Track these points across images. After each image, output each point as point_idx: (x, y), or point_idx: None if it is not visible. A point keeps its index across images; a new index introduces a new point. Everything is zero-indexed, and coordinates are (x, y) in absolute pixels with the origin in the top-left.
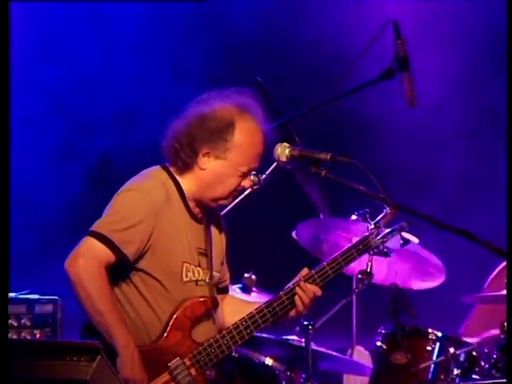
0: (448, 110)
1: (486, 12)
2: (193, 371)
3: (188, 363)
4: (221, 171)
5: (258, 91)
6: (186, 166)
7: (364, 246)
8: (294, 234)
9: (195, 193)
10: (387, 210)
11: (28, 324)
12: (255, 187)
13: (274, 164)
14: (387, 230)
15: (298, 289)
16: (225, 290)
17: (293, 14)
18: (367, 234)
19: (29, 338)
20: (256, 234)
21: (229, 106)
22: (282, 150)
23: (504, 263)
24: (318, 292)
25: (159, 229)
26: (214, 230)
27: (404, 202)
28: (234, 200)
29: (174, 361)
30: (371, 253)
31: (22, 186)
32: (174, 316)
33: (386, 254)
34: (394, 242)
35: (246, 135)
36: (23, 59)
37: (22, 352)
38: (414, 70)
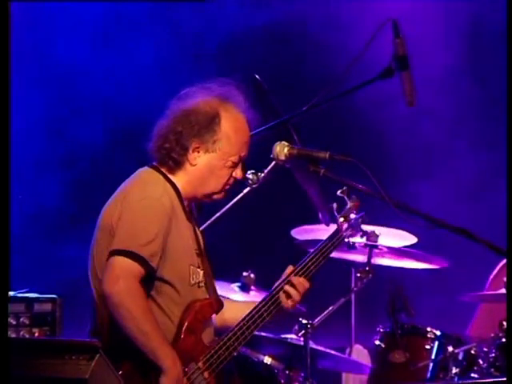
0: (447, 110)
1: (483, 11)
2: (206, 374)
3: (202, 367)
4: (212, 164)
5: (255, 89)
6: (177, 165)
7: (337, 240)
8: (292, 233)
9: (188, 191)
10: (350, 201)
11: (27, 322)
12: (254, 186)
13: (273, 163)
14: (352, 221)
15: (286, 287)
16: None
17: (291, 14)
18: (338, 227)
19: (27, 336)
20: (255, 233)
21: (211, 97)
22: (281, 149)
23: (503, 261)
24: (306, 284)
25: (170, 234)
26: (196, 228)
27: (404, 201)
28: (226, 194)
29: (190, 366)
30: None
31: (21, 184)
32: (187, 320)
33: (351, 247)
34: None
35: (231, 124)
36: (22, 56)
37: (21, 350)
38: (412, 69)
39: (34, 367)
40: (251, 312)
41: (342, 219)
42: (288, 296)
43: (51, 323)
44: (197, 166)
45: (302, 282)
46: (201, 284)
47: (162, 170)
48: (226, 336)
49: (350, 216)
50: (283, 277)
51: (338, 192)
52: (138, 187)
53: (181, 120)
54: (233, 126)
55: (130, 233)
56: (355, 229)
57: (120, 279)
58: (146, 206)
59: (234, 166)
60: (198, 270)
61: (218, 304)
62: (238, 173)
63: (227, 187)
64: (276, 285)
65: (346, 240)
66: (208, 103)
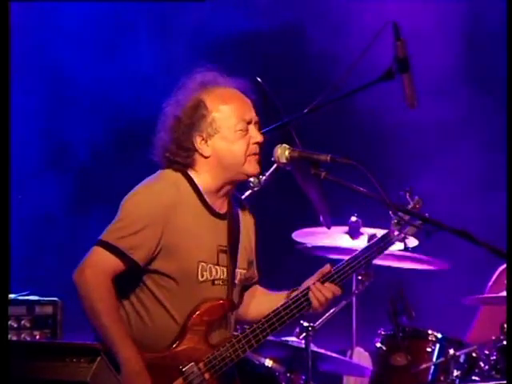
0: (447, 111)
1: (483, 11)
2: (207, 376)
3: (203, 368)
4: (223, 143)
5: (257, 92)
6: (190, 164)
7: (385, 244)
8: (293, 235)
9: (214, 182)
10: (412, 202)
11: (28, 325)
12: (255, 189)
13: (274, 165)
14: (408, 227)
15: (314, 289)
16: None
17: (292, 16)
18: (389, 231)
19: (28, 339)
20: (256, 235)
21: (189, 92)
22: (282, 152)
23: (503, 266)
24: (338, 291)
25: (171, 230)
26: (243, 226)
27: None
28: (259, 163)
29: (188, 366)
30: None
31: (21, 185)
32: (191, 320)
33: (407, 249)
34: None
35: (216, 99)
36: (21, 56)
37: (22, 353)
38: (413, 71)
39: (35, 370)
40: (268, 315)
41: (395, 221)
42: (316, 302)
43: (52, 326)
44: (212, 154)
45: (332, 290)
46: (217, 282)
47: (183, 169)
48: (235, 338)
49: (405, 219)
50: (316, 276)
51: (401, 192)
52: (143, 183)
53: (174, 126)
54: (219, 100)
55: (114, 225)
56: (409, 233)
57: (87, 269)
58: (138, 201)
59: (245, 132)
60: (216, 267)
61: (230, 305)
62: (254, 136)
63: (253, 156)
64: (303, 288)
65: (399, 243)
66: (189, 98)
